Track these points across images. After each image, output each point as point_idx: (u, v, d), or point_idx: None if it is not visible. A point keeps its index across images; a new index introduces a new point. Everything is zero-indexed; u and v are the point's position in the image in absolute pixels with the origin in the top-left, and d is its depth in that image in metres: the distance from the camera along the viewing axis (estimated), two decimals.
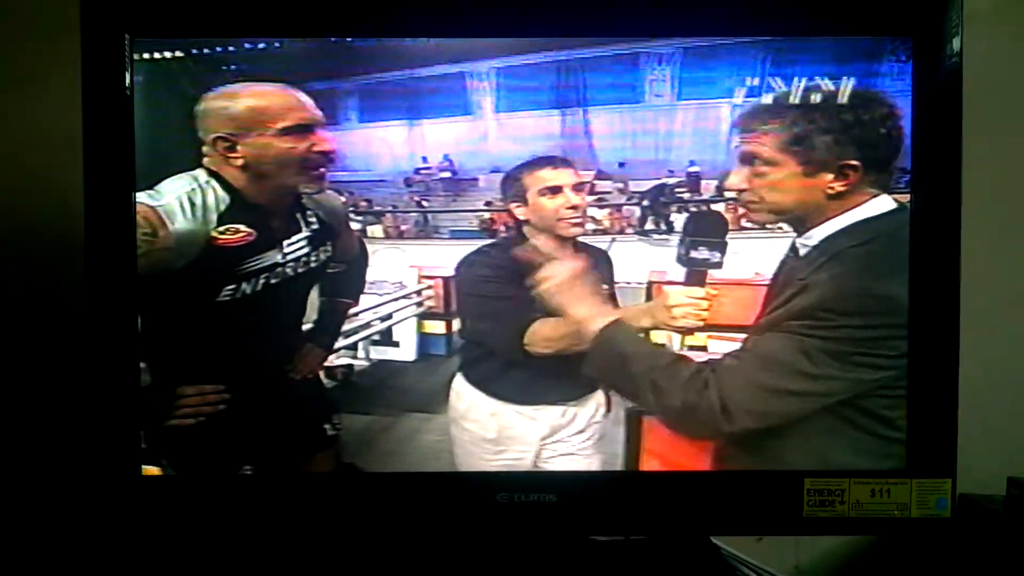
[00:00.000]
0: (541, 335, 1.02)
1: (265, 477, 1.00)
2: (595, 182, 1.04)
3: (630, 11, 0.96)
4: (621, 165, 1.03)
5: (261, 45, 0.96)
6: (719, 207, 1.01)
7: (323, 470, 1.03)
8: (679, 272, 1.00)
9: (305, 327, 1.05)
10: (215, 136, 0.95)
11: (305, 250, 1.01)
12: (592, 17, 0.96)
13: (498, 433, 1.08)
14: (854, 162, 0.92)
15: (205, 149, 0.96)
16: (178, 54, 0.95)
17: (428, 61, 0.98)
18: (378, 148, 1.03)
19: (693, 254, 0.97)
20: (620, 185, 1.04)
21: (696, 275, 0.98)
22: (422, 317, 1.12)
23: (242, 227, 0.96)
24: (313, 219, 1.02)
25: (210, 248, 0.95)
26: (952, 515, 0.97)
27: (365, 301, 1.08)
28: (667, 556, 1.11)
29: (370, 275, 1.06)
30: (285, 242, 0.99)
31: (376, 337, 1.11)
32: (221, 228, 0.95)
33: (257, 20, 0.95)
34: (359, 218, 1.05)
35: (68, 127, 0.94)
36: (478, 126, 1.01)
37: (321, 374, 1.05)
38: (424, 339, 1.12)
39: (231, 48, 0.96)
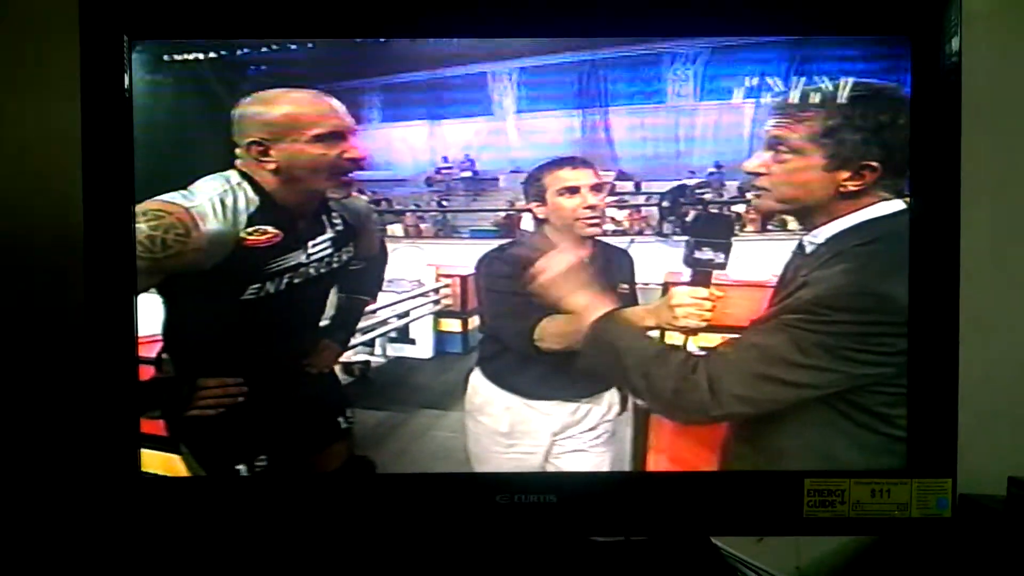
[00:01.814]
0: (550, 331, 1.03)
1: (266, 477, 1.01)
2: (615, 182, 1.05)
3: (641, 11, 0.96)
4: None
5: (292, 46, 0.97)
6: (738, 208, 1.03)
7: (336, 462, 1.04)
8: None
9: (323, 323, 1.06)
10: (250, 140, 0.97)
11: (328, 251, 1.02)
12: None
13: (511, 427, 1.09)
14: (874, 163, 0.92)
15: (239, 152, 0.98)
16: (211, 56, 0.96)
17: (450, 61, 0.99)
18: (400, 148, 1.04)
19: (697, 254, 0.98)
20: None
21: (700, 275, 0.99)
22: (439, 315, 1.13)
23: (270, 229, 0.97)
24: (338, 221, 1.03)
25: (239, 248, 0.96)
26: (953, 515, 0.97)
27: (383, 299, 1.09)
28: (668, 557, 1.11)
29: (388, 273, 1.07)
30: (310, 243, 1.01)
31: (393, 334, 1.13)
32: (250, 229, 0.96)
33: (257, 21, 0.95)
34: (379, 217, 1.06)
35: (68, 128, 0.94)
36: (499, 126, 1.02)
37: (337, 369, 1.06)
38: (440, 337, 1.13)
39: (260, 50, 0.97)
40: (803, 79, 0.94)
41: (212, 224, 0.95)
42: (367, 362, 1.10)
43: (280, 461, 1.01)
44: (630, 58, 0.99)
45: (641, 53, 0.99)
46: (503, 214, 1.08)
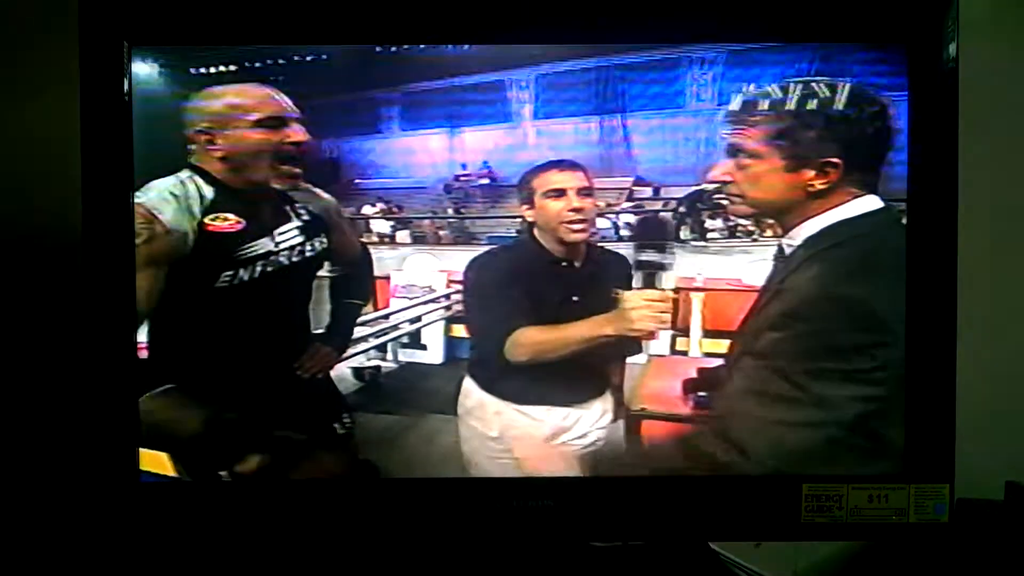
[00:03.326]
0: (516, 343, 1.03)
1: (262, 482, 1.01)
2: (633, 188, 1.06)
3: (641, 17, 0.96)
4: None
5: (309, 57, 0.98)
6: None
7: (334, 468, 1.04)
8: (710, 279, 1.02)
9: (318, 330, 1.06)
10: (197, 129, 0.99)
11: (298, 239, 1.03)
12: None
13: (501, 432, 1.08)
14: (835, 160, 0.91)
15: (191, 146, 1.00)
16: (226, 68, 0.97)
17: (469, 69, 1.00)
18: (419, 156, 1.05)
19: (642, 256, 0.98)
20: None
21: (648, 278, 0.99)
22: (450, 321, 1.14)
23: (231, 216, 0.99)
24: (303, 211, 1.05)
25: (202, 234, 0.98)
26: (950, 520, 0.97)
27: (395, 304, 1.10)
28: (665, 561, 1.11)
29: (402, 279, 1.09)
30: (276, 231, 1.02)
31: (405, 340, 1.14)
32: (211, 216, 0.98)
33: (266, 29, 0.95)
34: (395, 224, 1.08)
35: (67, 133, 0.94)
36: (518, 133, 1.03)
37: (345, 373, 1.07)
38: (451, 342, 1.14)
39: (279, 60, 0.98)
40: (801, 85, 0.94)
41: (169, 213, 0.96)
42: (378, 367, 1.11)
43: (274, 465, 1.01)
44: (647, 63, 0.99)
45: (658, 58, 0.99)
46: (521, 220, 1.08)
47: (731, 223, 1.05)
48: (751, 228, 1.04)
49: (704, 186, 1.00)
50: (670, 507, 0.98)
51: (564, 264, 1.07)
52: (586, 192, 1.03)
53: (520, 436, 1.08)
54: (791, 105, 0.93)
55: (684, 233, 1.03)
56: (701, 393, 1.02)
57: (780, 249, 0.96)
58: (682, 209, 1.03)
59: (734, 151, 0.95)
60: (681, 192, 1.03)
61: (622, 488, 1.02)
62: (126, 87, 0.94)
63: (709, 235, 1.04)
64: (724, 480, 0.98)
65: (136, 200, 0.95)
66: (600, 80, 0.99)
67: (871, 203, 0.93)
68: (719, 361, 1.00)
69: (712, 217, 1.03)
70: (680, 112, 1.01)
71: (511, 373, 1.06)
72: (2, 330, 1.20)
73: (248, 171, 1.00)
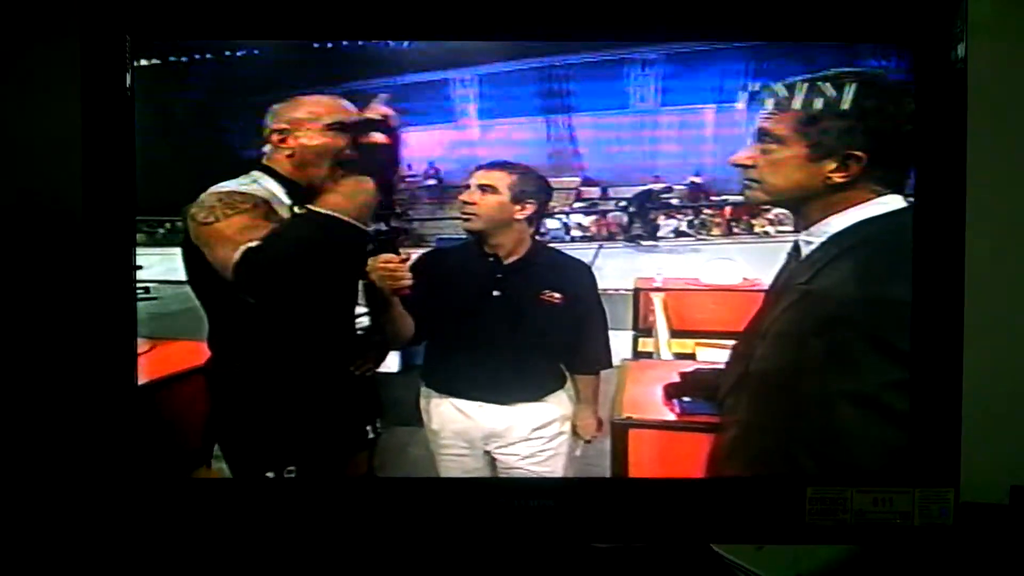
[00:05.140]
0: None
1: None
2: (581, 188, 1.05)
3: (618, 16, 0.95)
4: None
5: (240, 53, 0.98)
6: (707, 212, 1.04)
7: (359, 472, 1.05)
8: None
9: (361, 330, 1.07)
10: (273, 129, 1.02)
11: None
12: (577, 22, 0.95)
13: (440, 426, 1.09)
14: (859, 153, 0.90)
15: (266, 148, 1.03)
16: (156, 61, 0.97)
17: (412, 68, 0.99)
18: None
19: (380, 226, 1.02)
20: None
21: (384, 244, 1.02)
22: None
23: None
24: None
25: None
26: (955, 524, 0.97)
27: None
28: (668, 563, 1.11)
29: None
30: None
31: None
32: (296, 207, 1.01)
33: (252, 23, 0.95)
34: None
35: (71, 129, 0.94)
36: (463, 133, 1.03)
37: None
38: (407, 351, 1.11)
39: (208, 55, 0.98)
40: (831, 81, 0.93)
41: (266, 195, 1.01)
42: None
43: (308, 467, 1.01)
44: (593, 63, 0.99)
45: (605, 59, 0.99)
46: None
47: (679, 222, 1.06)
48: (700, 226, 1.05)
49: (651, 186, 1.01)
50: (672, 509, 0.98)
51: (491, 259, 1.08)
52: (489, 189, 1.04)
53: (459, 432, 1.09)
54: (822, 97, 0.92)
55: (635, 233, 1.05)
56: (687, 398, 1.02)
57: (796, 247, 0.95)
58: (632, 209, 1.04)
59: (761, 135, 0.94)
60: (630, 192, 1.04)
61: (624, 489, 1.02)
62: (128, 82, 0.93)
63: (659, 234, 1.05)
64: (727, 482, 0.98)
65: (245, 190, 0.98)
66: (544, 80, 0.99)
67: (895, 202, 0.92)
68: (709, 364, 1.01)
69: (666, 216, 1.04)
70: (626, 112, 1.01)
71: (444, 364, 1.09)
72: (3, 325, 1.19)
73: (307, 170, 1.03)
